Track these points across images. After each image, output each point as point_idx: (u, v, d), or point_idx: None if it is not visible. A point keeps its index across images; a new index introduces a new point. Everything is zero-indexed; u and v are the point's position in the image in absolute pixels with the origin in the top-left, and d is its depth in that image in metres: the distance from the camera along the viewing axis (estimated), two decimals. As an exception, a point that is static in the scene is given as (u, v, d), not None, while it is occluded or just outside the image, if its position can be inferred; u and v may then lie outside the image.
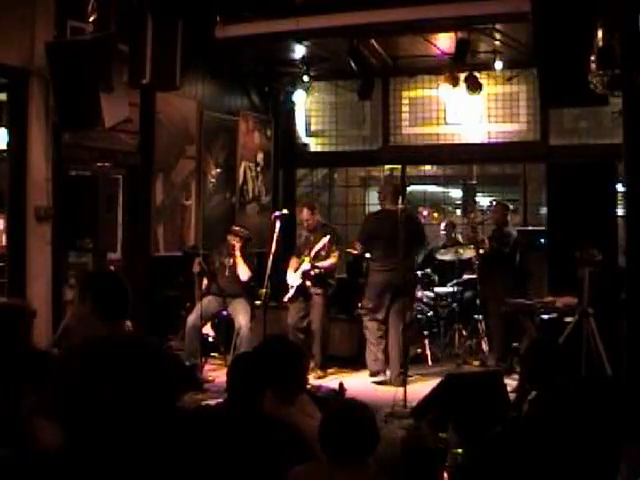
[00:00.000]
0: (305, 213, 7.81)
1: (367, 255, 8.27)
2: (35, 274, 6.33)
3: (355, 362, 8.23)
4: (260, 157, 10.22)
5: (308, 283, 7.66)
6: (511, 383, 6.34)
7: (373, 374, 7.56)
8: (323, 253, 7.62)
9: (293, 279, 7.68)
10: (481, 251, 8.16)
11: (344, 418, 2.94)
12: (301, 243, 7.84)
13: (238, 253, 7.64)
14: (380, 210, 7.87)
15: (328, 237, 7.61)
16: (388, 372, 7.44)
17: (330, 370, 7.86)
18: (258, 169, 10.19)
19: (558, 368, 3.55)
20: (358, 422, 2.91)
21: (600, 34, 4.74)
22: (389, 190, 7.77)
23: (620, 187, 6.24)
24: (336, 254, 7.73)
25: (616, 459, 2.93)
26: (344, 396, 5.82)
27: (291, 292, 7.68)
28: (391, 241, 7.12)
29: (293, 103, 10.36)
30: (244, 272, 7.61)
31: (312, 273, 7.58)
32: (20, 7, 6.22)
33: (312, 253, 7.60)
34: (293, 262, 7.77)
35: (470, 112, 9.79)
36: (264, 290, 7.34)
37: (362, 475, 2.86)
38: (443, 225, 9.76)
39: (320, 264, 7.58)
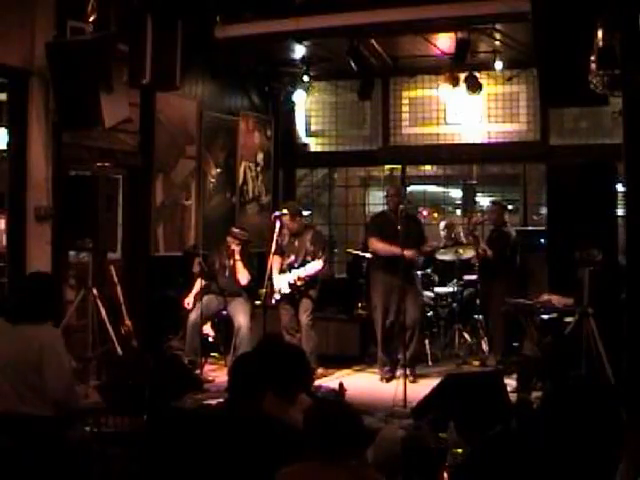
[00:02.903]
0: (286, 219, 7.50)
1: (367, 255, 8.26)
2: (35, 274, 6.32)
3: (355, 362, 8.24)
4: (260, 157, 10.22)
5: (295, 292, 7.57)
6: (511, 383, 6.35)
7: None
8: (309, 259, 7.53)
9: (281, 284, 7.52)
10: (480, 251, 8.16)
11: (320, 417, 2.94)
12: (284, 243, 7.70)
13: (238, 257, 7.61)
14: (382, 211, 7.94)
15: (322, 263, 7.50)
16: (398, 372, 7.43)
17: (330, 370, 7.85)
18: (258, 169, 10.19)
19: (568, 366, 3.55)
20: (335, 421, 2.90)
21: (600, 34, 4.74)
22: (392, 191, 7.78)
23: (620, 187, 6.23)
24: (322, 259, 7.49)
25: (615, 460, 2.93)
26: (344, 396, 5.83)
27: (277, 296, 7.55)
28: (394, 241, 7.15)
29: (293, 103, 10.36)
30: (244, 276, 7.60)
31: (298, 284, 7.49)
32: (20, 7, 6.23)
33: (303, 271, 7.47)
34: (277, 261, 7.54)
35: (470, 112, 9.79)
36: (264, 290, 7.32)
37: (349, 474, 2.85)
38: (443, 224, 9.74)
39: (305, 273, 7.46)
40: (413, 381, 7.21)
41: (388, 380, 7.49)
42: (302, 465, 2.93)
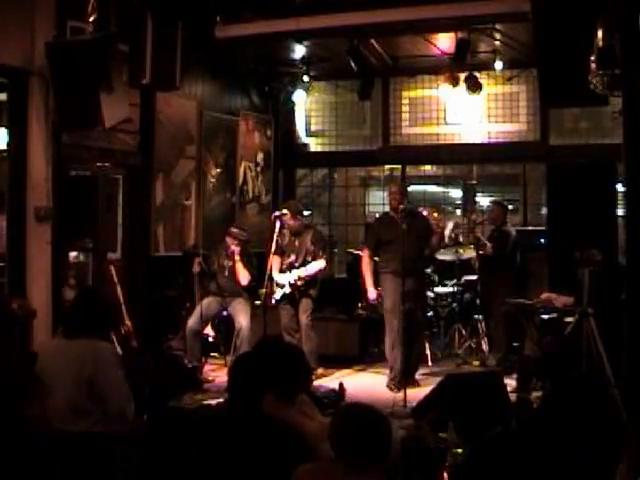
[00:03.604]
0: (287, 217, 7.51)
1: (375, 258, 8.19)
2: (35, 274, 6.33)
3: (355, 362, 8.24)
4: (260, 157, 10.22)
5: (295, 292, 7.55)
6: (511, 383, 6.35)
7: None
8: (309, 259, 7.53)
9: (282, 279, 7.51)
10: (481, 252, 8.16)
11: (354, 422, 2.90)
12: (284, 243, 7.68)
13: (238, 258, 7.58)
14: (385, 213, 7.87)
15: (324, 263, 7.50)
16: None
17: (330, 370, 7.85)
18: (258, 169, 10.19)
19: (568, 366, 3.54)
20: (377, 430, 2.87)
21: (600, 34, 4.74)
22: (394, 189, 7.68)
23: (620, 187, 6.23)
24: (323, 258, 7.51)
25: (616, 460, 2.93)
26: (344, 396, 5.83)
27: (279, 293, 7.55)
28: (396, 245, 7.01)
29: (293, 103, 10.36)
30: (244, 277, 7.58)
31: (299, 283, 7.48)
32: (20, 7, 6.22)
33: (304, 270, 7.45)
34: (277, 261, 7.55)
35: (470, 112, 9.79)
36: (264, 290, 7.32)
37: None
38: (452, 225, 9.53)
39: (306, 273, 7.45)
40: (414, 385, 7.15)
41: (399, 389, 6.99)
42: (323, 464, 2.91)
